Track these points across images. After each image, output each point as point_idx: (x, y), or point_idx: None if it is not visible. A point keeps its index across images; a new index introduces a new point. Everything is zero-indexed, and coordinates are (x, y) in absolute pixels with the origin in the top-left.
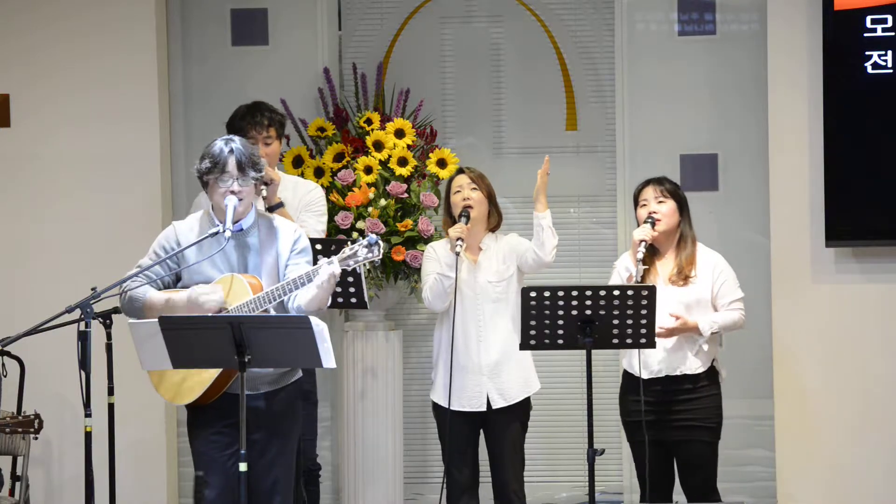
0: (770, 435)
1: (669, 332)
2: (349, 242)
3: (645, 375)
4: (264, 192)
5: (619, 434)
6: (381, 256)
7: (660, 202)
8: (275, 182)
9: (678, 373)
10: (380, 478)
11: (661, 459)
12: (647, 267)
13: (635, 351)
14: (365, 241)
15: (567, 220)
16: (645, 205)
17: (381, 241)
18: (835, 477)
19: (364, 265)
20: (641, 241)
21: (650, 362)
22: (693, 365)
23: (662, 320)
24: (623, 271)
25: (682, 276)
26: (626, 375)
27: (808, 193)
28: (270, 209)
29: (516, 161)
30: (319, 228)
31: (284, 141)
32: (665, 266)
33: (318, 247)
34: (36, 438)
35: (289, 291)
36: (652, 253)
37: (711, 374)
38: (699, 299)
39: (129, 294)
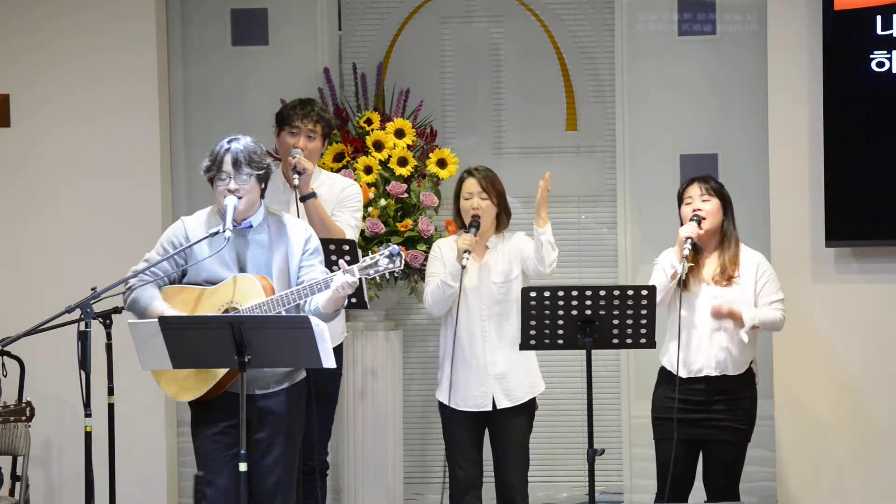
0: (770, 435)
1: (716, 314)
2: (358, 244)
3: (684, 374)
4: (296, 181)
5: (619, 434)
6: (402, 267)
7: (704, 200)
8: (307, 172)
9: (721, 373)
10: (380, 478)
11: (686, 459)
12: (691, 265)
13: (675, 348)
14: (387, 252)
15: (567, 221)
16: (689, 202)
17: (402, 253)
18: (835, 477)
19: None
20: (688, 238)
21: (691, 361)
22: (735, 367)
23: (708, 320)
24: (668, 268)
25: (726, 276)
26: (664, 372)
27: (808, 193)
28: (303, 199)
29: (516, 161)
30: (353, 223)
31: None
32: (708, 265)
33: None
34: (29, 426)
35: (304, 297)
36: (695, 251)
37: (750, 376)
38: (742, 300)
39: (133, 294)
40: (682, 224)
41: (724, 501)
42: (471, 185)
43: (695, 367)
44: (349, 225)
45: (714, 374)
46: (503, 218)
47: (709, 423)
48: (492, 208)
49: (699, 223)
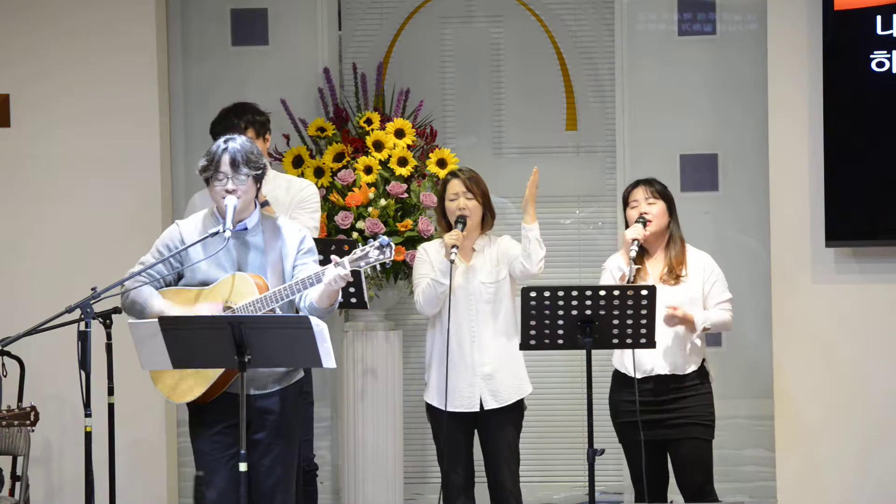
0: (770, 435)
1: (670, 320)
2: (359, 244)
3: (638, 375)
4: None
5: None
6: (392, 258)
7: (650, 203)
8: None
9: (670, 372)
10: (380, 478)
11: (655, 459)
12: (638, 266)
13: (628, 350)
14: (377, 243)
15: (567, 221)
16: (635, 206)
17: (392, 244)
18: (835, 477)
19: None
20: (634, 240)
21: (642, 361)
22: (684, 364)
23: (657, 319)
24: (615, 271)
25: (674, 275)
26: (618, 375)
27: (808, 193)
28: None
29: (516, 161)
30: (311, 225)
31: (284, 140)
32: (655, 266)
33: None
34: (32, 431)
35: (297, 291)
36: (641, 253)
37: (702, 372)
38: (691, 298)
39: (130, 296)
40: (627, 227)
41: (702, 503)
42: (455, 185)
43: (647, 366)
44: (307, 226)
45: (664, 372)
46: (488, 218)
47: (667, 423)
48: (478, 207)
49: (644, 225)
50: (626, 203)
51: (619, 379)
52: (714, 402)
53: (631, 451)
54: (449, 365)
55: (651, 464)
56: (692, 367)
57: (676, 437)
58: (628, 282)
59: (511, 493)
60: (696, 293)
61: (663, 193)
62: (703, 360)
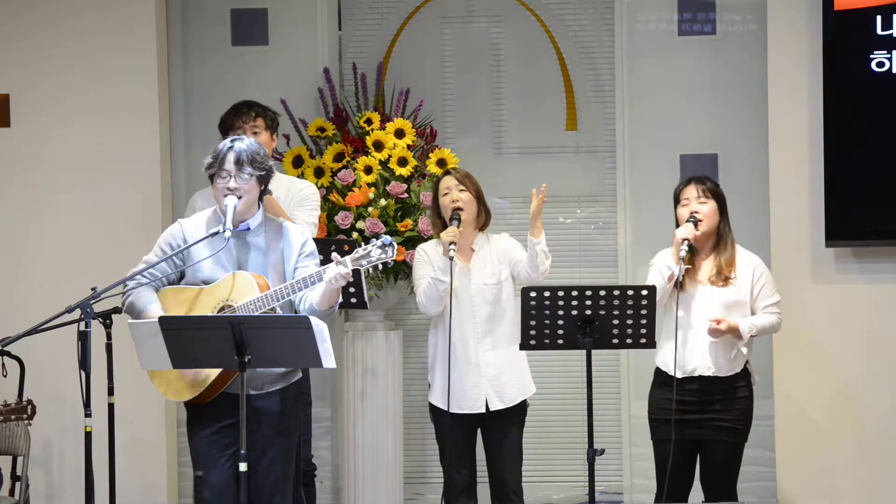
0: (770, 435)
1: (714, 334)
2: (359, 244)
3: (679, 375)
4: None
5: (618, 434)
6: (394, 258)
7: (702, 202)
8: None
9: (713, 374)
10: (380, 478)
11: (684, 459)
12: (688, 266)
13: (671, 349)
14: (379, 242)
15: (567, 221)
16: (686, 204)
17: (395, 243)
18: (835, 477)
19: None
20: (684, 239)
21: (685, 361)
22: (729, 366)
23: (704, 321)
24: (664, 269)
25: (722, 277)
26: (659, 373)
27: (808, 193)
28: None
29: (516, 161)
30: (310, 221)
31: (284, 141)
32: (705, 267)
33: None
34: (30, 425)
35: (297, 290)
36: (691, 253)
37: (745, 376)
38: (738, 301)
39: (130, 297)
40: (678, 225)
41: (722, 502)
42: (447, 181)
43: (689, 367)
44: (306, 223)
45: (707, 374)
46: (483, 213)
47: (704, 424)
48: (471, 200)
49: (696, 224)
50: (676, 200)
51: (661, 376)
52: (756, 402)
53: (660, 449)
54: (454, 366)
55: (679, 464)
56: (736, 370)
57: (710, 438)
58: (677, 281)
59: (515, 492)
60: (745, 296)
61: (715, 192)
62: (747, 361)
